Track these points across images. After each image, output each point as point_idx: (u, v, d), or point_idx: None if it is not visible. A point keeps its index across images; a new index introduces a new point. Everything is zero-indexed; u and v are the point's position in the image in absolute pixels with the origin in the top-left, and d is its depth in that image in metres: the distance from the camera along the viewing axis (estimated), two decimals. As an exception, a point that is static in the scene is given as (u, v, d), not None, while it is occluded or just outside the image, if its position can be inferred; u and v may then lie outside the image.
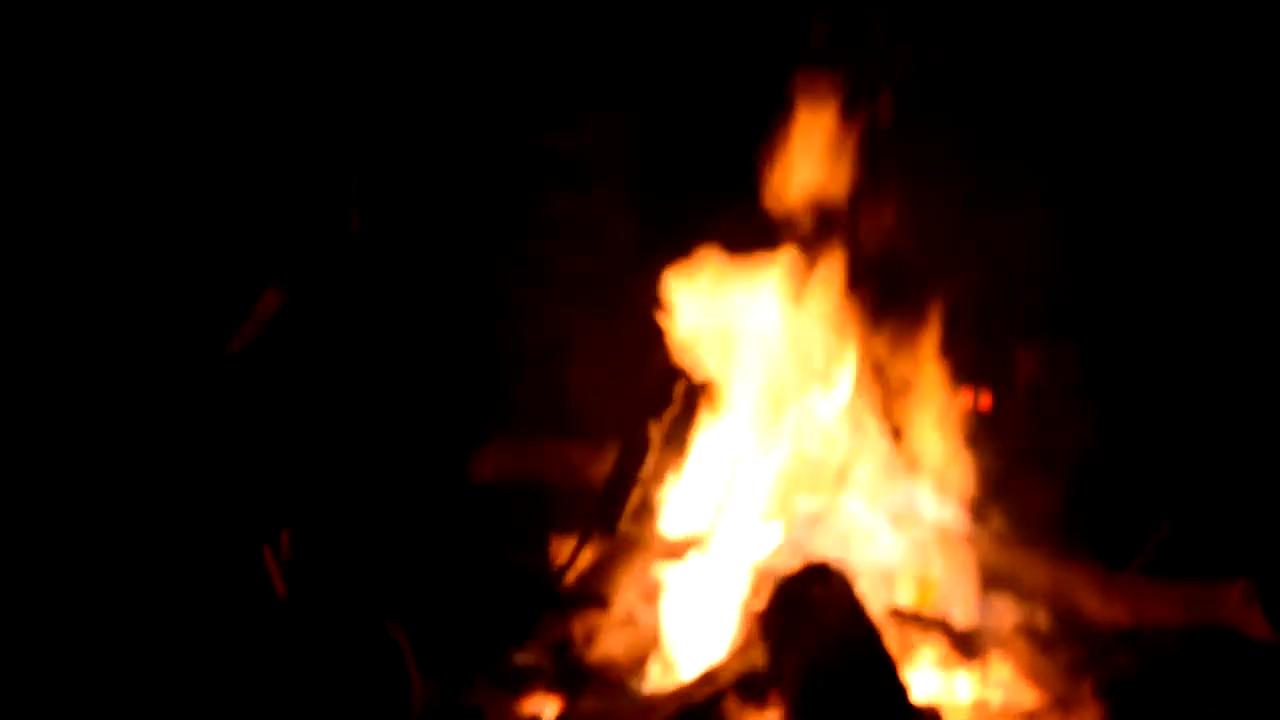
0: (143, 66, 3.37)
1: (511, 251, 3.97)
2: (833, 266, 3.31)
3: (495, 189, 3.94)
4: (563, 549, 3.23)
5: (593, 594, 3.05)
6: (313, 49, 3.59)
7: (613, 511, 3.17)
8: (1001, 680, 2.91)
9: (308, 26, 3.60)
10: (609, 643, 2.98)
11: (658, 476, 3.27)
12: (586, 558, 3.14)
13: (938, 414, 3.35)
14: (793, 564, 2.91)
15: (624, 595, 3.05)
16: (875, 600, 2.91)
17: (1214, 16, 3.65)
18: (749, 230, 3.31)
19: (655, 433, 3.25)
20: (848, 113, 3.32)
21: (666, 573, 3.10)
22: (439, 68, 3.86)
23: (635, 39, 3.87)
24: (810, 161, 3.34)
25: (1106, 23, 3.68)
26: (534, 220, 3.96)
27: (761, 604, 2.84)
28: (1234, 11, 3.65)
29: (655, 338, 3.28)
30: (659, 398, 3.31)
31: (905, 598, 3.06)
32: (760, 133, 3.34)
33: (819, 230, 3.35)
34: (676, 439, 3.30)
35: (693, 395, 3.29)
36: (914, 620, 2.99)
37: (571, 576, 3.10)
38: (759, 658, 2.75)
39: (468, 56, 3.88)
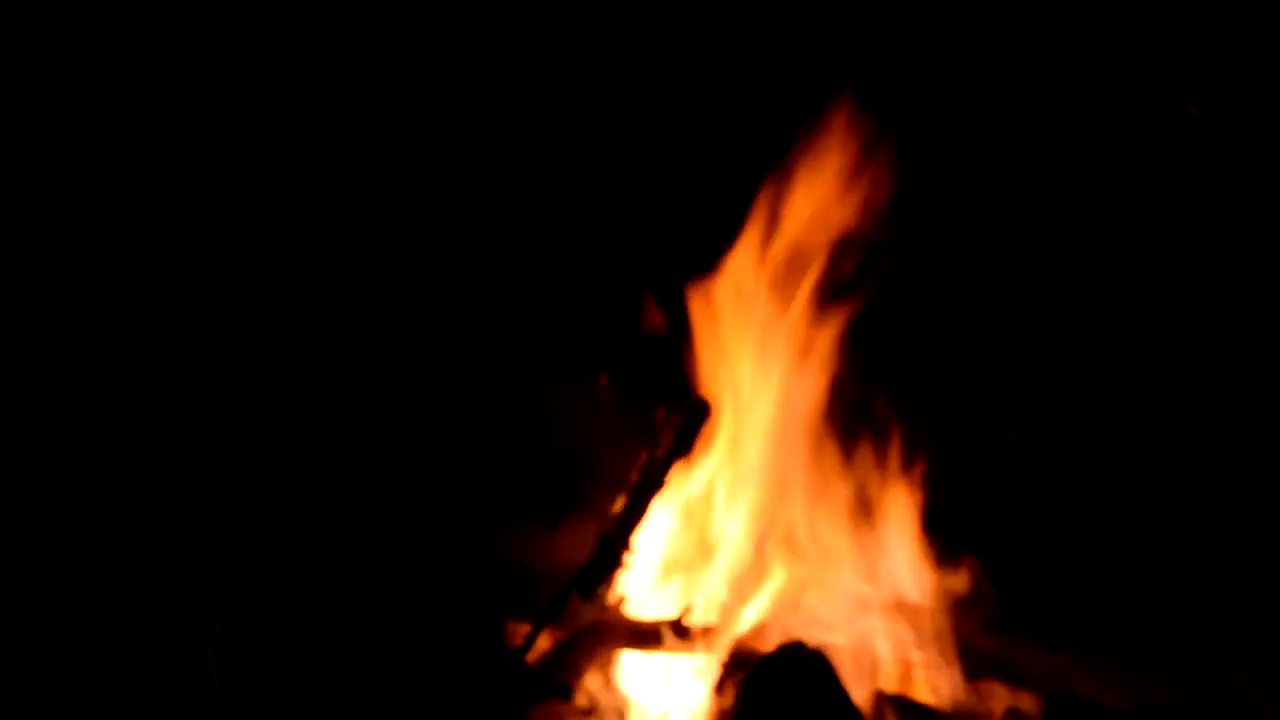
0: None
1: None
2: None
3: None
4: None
5: (553, 681, 2.86)
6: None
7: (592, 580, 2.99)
8: (992, 770, 2.74)
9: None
10: (571, 733, 2.81)
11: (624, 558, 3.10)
12: (545, 640, 2.94)
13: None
14: (767, 646, 2.78)
15: (586, 682, 2.88)
16: (856, 684, 2.76)
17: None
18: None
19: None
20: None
21: (632, 658, 2.93)
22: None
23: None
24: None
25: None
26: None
27: (734, 689, 2.70)
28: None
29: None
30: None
31: (889, 682, 2.90)
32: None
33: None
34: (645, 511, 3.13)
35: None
36: (898, 705, 2.82)
37: (532, 657, 2.91)
38: (733, 747, 2.58)
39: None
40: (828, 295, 3.19)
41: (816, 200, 3.20)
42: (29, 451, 3.23)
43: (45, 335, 3.37)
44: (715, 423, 3.12)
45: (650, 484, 3.05)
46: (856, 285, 3.21)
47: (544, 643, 2.96)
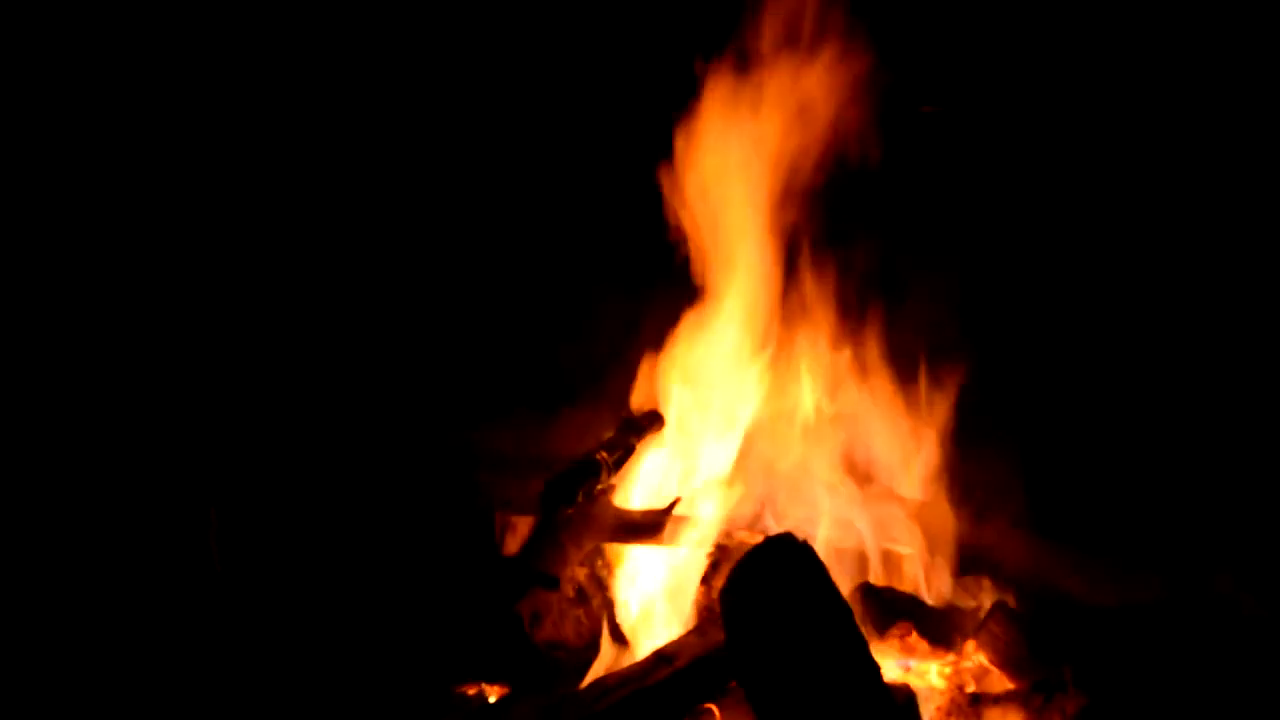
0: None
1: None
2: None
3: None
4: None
5: (540, 571, 2.85)
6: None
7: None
8: (977, 662, 2.73)
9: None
10: (558, 623, 2.80)
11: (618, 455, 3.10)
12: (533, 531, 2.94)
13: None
14: (755, 538, 2.76)
15: (574, 573, 2.87)
16: (844, 577, 2.77)
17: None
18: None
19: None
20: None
21: (621, 550, 2.93)
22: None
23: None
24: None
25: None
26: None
27: (720, 580, 2.63)
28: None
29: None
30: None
31: (876, 574, 2.90)
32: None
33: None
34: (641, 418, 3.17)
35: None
36: (885, 598, 2.81)
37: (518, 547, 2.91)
38: (718, 637, 2.57)
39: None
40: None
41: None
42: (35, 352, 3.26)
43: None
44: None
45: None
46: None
47: (531, 534, 2.96)
